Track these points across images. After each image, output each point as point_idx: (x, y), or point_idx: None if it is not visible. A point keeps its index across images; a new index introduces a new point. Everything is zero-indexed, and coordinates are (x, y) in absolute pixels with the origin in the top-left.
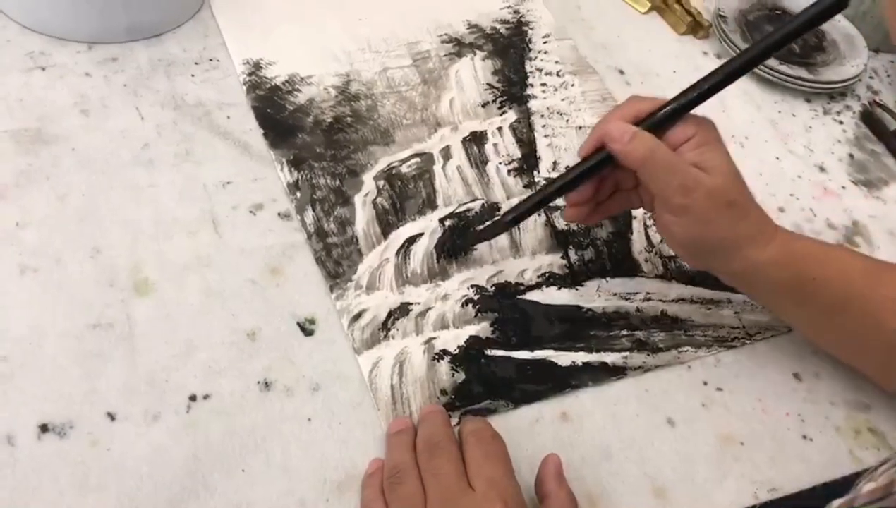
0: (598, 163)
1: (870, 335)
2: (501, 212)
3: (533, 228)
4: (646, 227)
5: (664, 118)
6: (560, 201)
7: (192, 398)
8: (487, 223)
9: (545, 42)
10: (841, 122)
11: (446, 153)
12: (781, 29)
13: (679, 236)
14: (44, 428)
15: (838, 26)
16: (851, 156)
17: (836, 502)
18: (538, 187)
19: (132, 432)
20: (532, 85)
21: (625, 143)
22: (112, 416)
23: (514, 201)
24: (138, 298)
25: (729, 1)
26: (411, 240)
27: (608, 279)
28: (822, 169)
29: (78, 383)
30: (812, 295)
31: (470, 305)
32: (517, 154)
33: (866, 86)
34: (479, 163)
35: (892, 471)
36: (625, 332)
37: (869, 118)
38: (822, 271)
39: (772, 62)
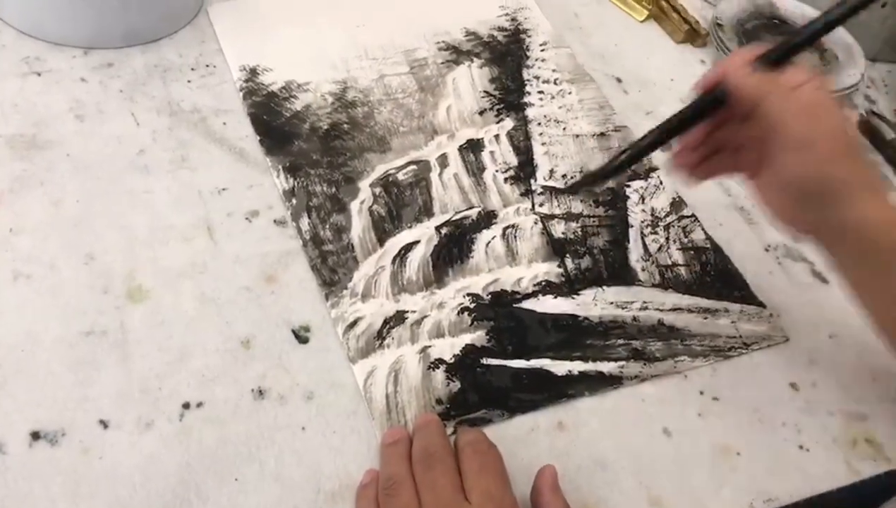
0: (713, 101)
1: None
2: (498, 219)
3: (529, 236)
4: (643, 236)
5: (782, 55)
6: (558, 211)
7: (186, 405)
8: (597, 167)
9: (543, 50)
10: None
11: (443, 161)
12: None
13: (795, 177)
14: (35, 436)
15: (835, 36)
16: None
17: None
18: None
19: (125, 440)
20: (529, 93)
21: (743, 77)
22: (105, 424)
23: (511, 209)
24: (132, 305)
25: (726, 9)
26: (407, 248)
27: (605, 288)
28: None
29: (71, 390)
30: None
31: (466, 313)
32: (514, 162)
33: (863, 95)
34: (476, 170)
35: None
36: (621, 341)
37: (866, 127)
38: None
39: None
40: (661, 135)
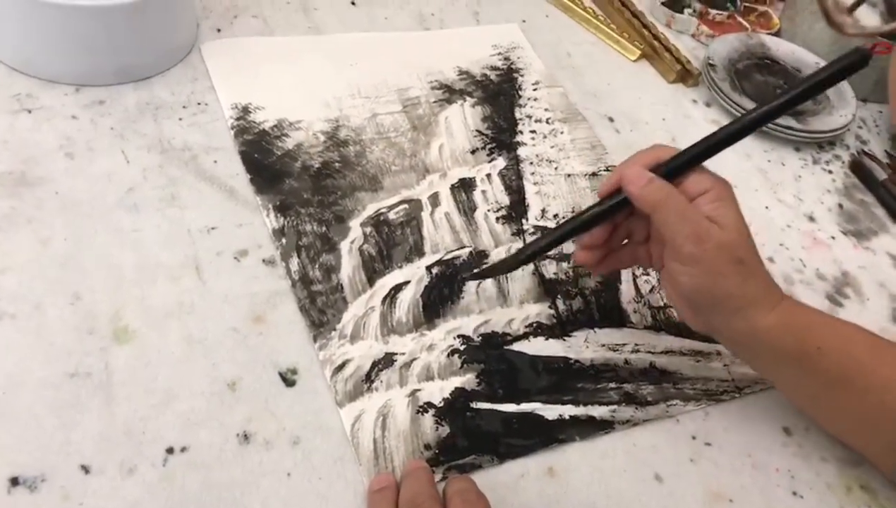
0: (615, 206)
1: (871, 414)
2: (489, 259)
3: (521, 277)
4: (634, 277)
5: (681, 166)
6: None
7: (170, 450)
8: (498, 260)
9: (535, 89)
10: (830, 172)
11: (434, 200)
12: (802, 84)
13: (686, 287)
14: (14, 482)
15: None
16: (841, 205)
17: None
18: (534, 234)
19: (106, 486)
20: (521, 132)
21: (641, 187)
22: (86, 469)
23: (502, 249)
24: (118, 346)
25: (718, 49)
26: (397, 288)
27: (596, 330)
28: (811, 218)
29: (53, 434)
30: (813, 365)
31: (456, 356)
32: (506, 201)
33: (855, 135)
34: (468, 210)
35: None
36: (613, 385)
37: (858, 168)
38: (826, 342)
39: None
40: (567, 233)
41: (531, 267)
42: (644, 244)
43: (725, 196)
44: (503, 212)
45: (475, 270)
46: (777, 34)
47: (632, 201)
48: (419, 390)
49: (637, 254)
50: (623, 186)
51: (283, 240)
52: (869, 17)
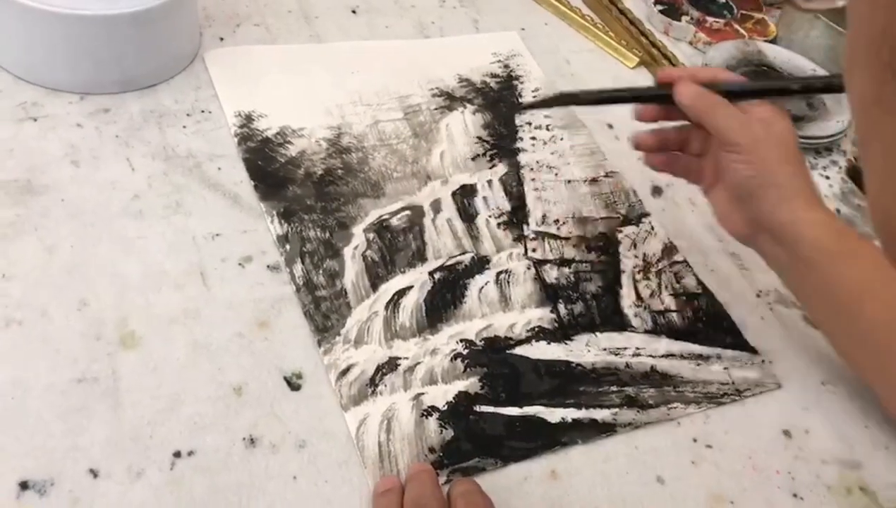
0: (661, 95)
1: (881, 342)
2: (491, 264)
3: (522, 282)
4: (635, 282)
5: (740, 92)
6: (550, 256)
7: (177, 454)
8: (548, 95)
9: (535, 96)
10: (827, 177)
11: (436, 206)
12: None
13: (740, 175)
14: (24, 486)
15: None
16: (838, 211)
17: None
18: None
19: (114, 489)
20: (522, 138)
21: (691, 98)
22: (94, 473)
23: (504, 254)
24: (124, 352)
25: (716, 57)
26: (401, 293)
27: (597, 334)
28: None
29: (61, 439)
30: (845, 266)
31: (459, 360)
32: (507, 207)
33: (851, 141)
34: (469, 216)
35: None
36: (614, 388)
37: (855, 173)
38: (863, 248)
39: None
40: (619, 98)
41: (532, 271)
42: (697, 158)
43: (779, 112)
44: (504, 218)
45: (527, 101)
46: (773, 41)
47: (682, 110)
48: (423, 394)
49: (690, 165)
50: (676, 100)
51: (287, 246)
52: None
